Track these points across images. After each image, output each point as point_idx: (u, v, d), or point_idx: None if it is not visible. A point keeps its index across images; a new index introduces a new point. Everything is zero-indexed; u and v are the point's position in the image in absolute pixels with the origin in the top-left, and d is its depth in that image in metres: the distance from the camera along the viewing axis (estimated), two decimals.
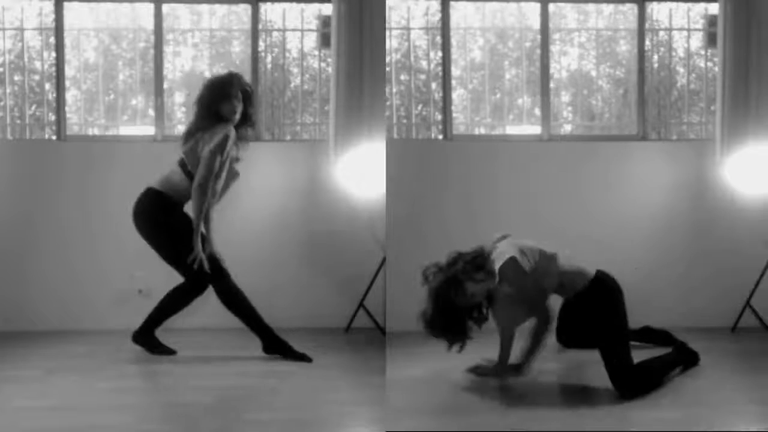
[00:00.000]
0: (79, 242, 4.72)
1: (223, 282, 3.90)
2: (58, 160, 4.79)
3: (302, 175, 4.79)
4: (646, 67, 4.98)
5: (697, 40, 5.07)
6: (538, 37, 4.94)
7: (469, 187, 4.73)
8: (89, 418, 3.02)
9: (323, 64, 5.03)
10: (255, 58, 4.97)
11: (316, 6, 5.02)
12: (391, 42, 4.92)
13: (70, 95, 4.99)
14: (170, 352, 4.00)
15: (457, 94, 5.05)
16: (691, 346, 3.72)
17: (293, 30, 5.04)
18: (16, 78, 4.96)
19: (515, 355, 3.46)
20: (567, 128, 5.13)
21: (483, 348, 3.52)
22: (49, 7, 4.88)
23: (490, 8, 5.01)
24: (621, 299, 3.39)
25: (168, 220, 3.87)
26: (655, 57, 5.04)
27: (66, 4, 4.88)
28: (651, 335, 3.92)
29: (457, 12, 4.96)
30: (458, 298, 3.34)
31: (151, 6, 4.90)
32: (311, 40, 5.07)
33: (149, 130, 4.94)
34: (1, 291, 4.67)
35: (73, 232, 4.72)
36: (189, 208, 3.89)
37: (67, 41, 4.91)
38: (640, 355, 3.45)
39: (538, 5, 4.92)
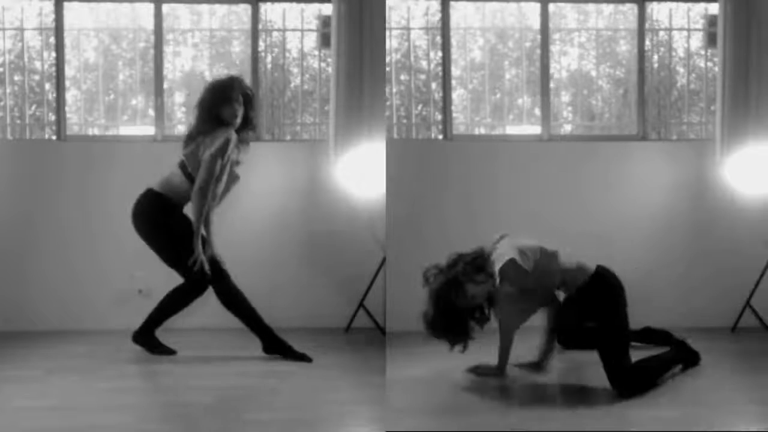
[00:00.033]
0: (79, 242, 4.72)
1: (222, 283, 3.90)
2: (58, 160, 4.79)
3: (302, 175, 4.79)
4: (646, 67, 4.98)
5: (697, 40, 5.07)
6: (538, 37, 4.94)
7: (469, 187, 4.73)
8: (89, 418, 3.02)
9: (323, 64, 5.04)
10: (255, 58, 4.97)
11: (316, 6, 5.02)
12: (391, 42, 4.92)
13: (70, 95, 4.99)
14: (170, 352, 4.00)
15: (457, 94, 5.05)
16: (691, 346, 3.72)
17: (293, 30, 5.04)
18: (16, 78, 4.96)
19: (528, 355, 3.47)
20: (567, 128, 5.13)
21: (484, 348, 3.52)
22: (49, 7, 4.88)
23: (490, 8, 5.01)
24: (622, 295, 3.39)
25: (167, 222, 3.88)
26: (655, 57, 5.04)
27: (66, 4, 4.88)
28: (652, 336, 3.92)
29: (457, 12, 4.96)
30: (459, 300, 3.35)
31: (151, 6, 4.90)
32: (311, 40, 5.07)
33: (149, 130, 4.94)
34: (1, 291, 4.67)
35: (73, 232, 4.72)
36: (188, 210, 3.89)
37: (67, 41, 4.92)
38: (639, 354, 3.45)
39: (538, 5, 4.92)
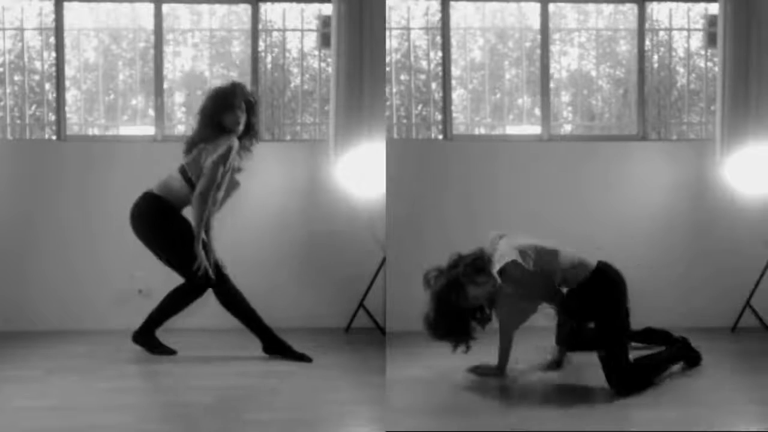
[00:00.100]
0: (79, 242, 4.72)
1: (222, 285, 3.90)
2: (58, 160, 4.79)
3: (302, 175, 4.79)
4: (646, 67, 4.98)
5: (697, 40, 5.07)
6: (538, 37, 4.94)
7: (469, 187, 4.73)
8: (89, 418, 3.01)
9: (323, 64, 5.04)
10: (255, 58, 4.97)
11: (316, 6, 5.02)
12: (391, 42, 4.92)
13: (70, 95, 4.99)
14: (170, 352, 4.00)
15: (457, 94, 5.05)
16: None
17: (293, 30, 5.04)
18: (16, 78, 4.96)
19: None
20: (567, 128, 5.13)
21: (485, 348, 3.52)
22: (49, 7, 4.88)
23: (490, 8, 5.01)
24: (623, 291, 3.39)
25: (166, 224, 3.88)
26: (655, 57, 5.04)
27: (66, 4, 4.88)
28: (653, 336, 3.92)
29: (457, 12, 4.96)
30: (460, 301, 3.35)
31: (151, 6, 4.90)
32: (311, 40, 5.07)
33: (149, 130, 4.94)
34: (1, 291, 4.67)
35: (73, 232, 4.72)
36: (187, 214, 3.90)
37: (67, 41, 4.92)
38: (638, 354, 3.45)
39: (538, 5, 4.92)
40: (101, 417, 3.02)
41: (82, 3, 4.93)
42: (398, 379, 3.53)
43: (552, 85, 4.97)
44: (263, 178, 4.68)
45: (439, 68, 4.93)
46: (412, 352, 3.98)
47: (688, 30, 5.03)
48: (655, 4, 5.00)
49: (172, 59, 5.04)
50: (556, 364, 3.65)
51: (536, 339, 3.81)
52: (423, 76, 5.00)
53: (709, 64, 5.03)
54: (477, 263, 3.36)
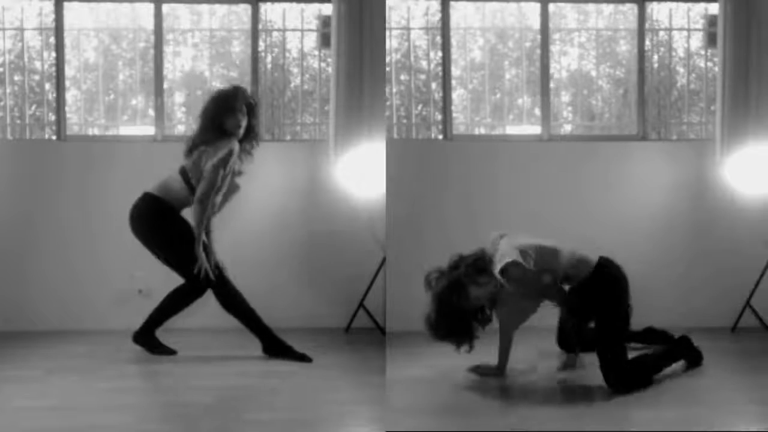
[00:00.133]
0: (79, 242, 4.72)
1: (222, 287, 3.90)
2: (58, 160, 4.79)
3: (302, 175, 4.79)
4: (646, 67, 4.98)
5: (697, 40, 5.07)
6: (538, 37, 4.94)
7: (469, 187, 4.73)
8: (89, 418, 3.02)
9: (323, 64, 5.04)
10: (255, 58, 4.97)
11: (316, 6, 5.02)
12: (391, 42, 4.92)
13: (70, 95, 4.99)
14: (170, 352, 4.00)
15: (457, 94, 5.05)
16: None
17: (293, 30, 5.04)
18: (16, 78, 4.96)
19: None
20: (567, 128, 5.13)
21: (485, 348, 3.52)
22: (49, 7, 4.88)
23: (490, 8, 5.01)
24: (624, 287, 3.39)
25: (166, 225, 3.88)
26: (655, 57, 5.04)
27: (66, 4, 4.88)
28: (654, 336, 3.92)
29: (457, 12, 4.96)
30: (462, 302, 3.35)
31: (151, 6, 4.90)
32: (311, 40, 5.07)
33: (149, 130, 4.94)
34: (1, 291, 4.67)
35: (73, 232, 4.72)
36: (186, 215, 3.91)
37: (67, 41, 4.92)
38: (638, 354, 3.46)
39: (538, 5, 4.92)
40: (101, 417, 3.02)
41: (82, 3, 4.93)
42: (398, 379, 3.53)
43: (552, 85, 4.97)
44: (263, 178, 4.68)
45: (439, 68, 4.93)
46: (412, 352, 3.98)
47: (688, 30, 5.03)
48: (655, 4, 5.00)
49: (172, 59, 5.04)
50: (572, 361, 3.66)
51: (536, 339, 3.81)
52: (423, 76, 5.00)
53: (709, 64, 5.03)
54: (478, 264, 3.36)
